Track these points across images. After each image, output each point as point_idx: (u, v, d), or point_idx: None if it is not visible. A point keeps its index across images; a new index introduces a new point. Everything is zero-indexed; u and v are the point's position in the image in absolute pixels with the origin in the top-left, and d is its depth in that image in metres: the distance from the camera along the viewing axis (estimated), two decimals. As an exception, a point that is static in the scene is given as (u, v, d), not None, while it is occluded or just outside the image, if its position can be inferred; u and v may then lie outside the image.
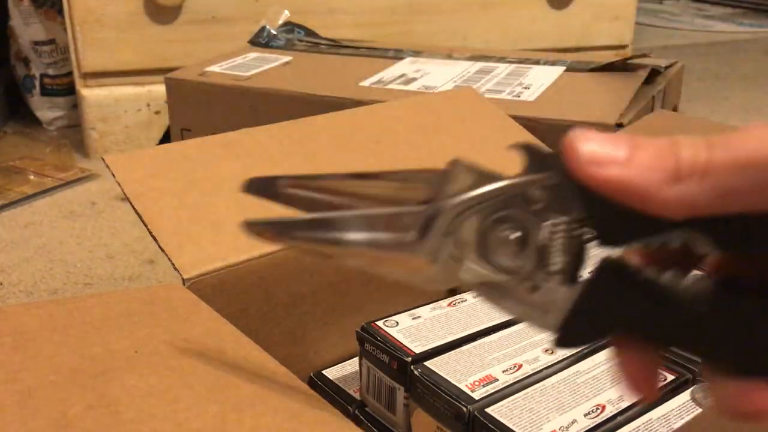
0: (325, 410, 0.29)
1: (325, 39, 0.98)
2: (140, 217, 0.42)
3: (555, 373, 0.37)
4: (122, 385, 0.28)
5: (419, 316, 0.42)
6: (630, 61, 0.76)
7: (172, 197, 0.44)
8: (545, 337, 0.39)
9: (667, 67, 0.76)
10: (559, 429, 0.34)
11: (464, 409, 0.34)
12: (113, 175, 0.44)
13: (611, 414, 0.35)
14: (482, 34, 1.16)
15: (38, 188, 0.94)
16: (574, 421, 0.34)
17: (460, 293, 0.45)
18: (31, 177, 0.99)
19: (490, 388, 0.36)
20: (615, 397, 0.36)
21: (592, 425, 0.34)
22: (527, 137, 0.58)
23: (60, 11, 1.14)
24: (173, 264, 0.40)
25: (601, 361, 0.39)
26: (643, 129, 0.58)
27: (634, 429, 0.35)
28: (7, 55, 1.22)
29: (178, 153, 0.47)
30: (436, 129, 0.57)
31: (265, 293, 0.43)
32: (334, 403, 0.43)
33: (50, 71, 1.19)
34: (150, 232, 0.42)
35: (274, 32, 0.97)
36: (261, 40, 0.96)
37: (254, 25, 1.03)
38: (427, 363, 0.38)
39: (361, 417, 0.42)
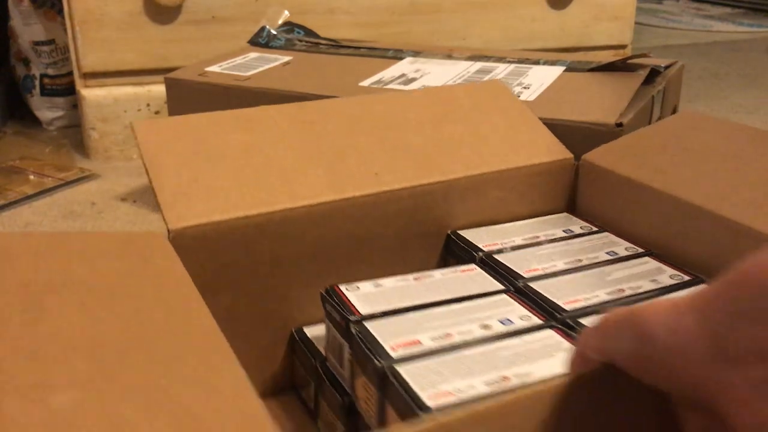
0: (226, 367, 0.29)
1: (325, 39, 0.98)
2: (147, 174, 0.47)
3: (479, 344, 0.39)
4: (57, 300, 0.31)
5: (381, 285, 0.46)
6: (630, 61, 0.76)
7: (179, 160, 0.49)
8: (492, 315, 0.42)
9: (666, 67, 0.76)
10: (454, 390, 0.34)
11: (378, 364, 0.37)
12: (135, 137, 0.50)
13: (512, 386, 0.35)
14: (482, 34, 1.16)
15: (38, 188, 0.94)
16: (471, 386, 0.35)
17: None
18: (31, 177, 0.99)
19: (411, 351, 0.38)
20: (524, 371, 0.36)
21: (487, 392, 0.34)
22: (546, 136, 0.58)
23: (60, 11, 1.14)
24: (163, 216, 0.45)
25: (534, 340, 0.39)
26: (666, 129, 0.58)
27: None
28: (7, 55, 1.22)
29: (197, 123, 0.52)
30: (450, 120, 0.57)
31: (246, 251, 0.47)
32: (304, 357, 0.49)
33: (50, 71, 1.19)
34: (152, 188, 0.47)
35: (273, 32, 0.97)
36: (261, 40, 0.96)
37: (254, 25, 1.03)
38: (366, 323, 0.41)
39: (320, 371, 0.46)
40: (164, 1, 1.03)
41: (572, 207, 0.57)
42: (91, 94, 1.06)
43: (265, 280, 0.48)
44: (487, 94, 0.60)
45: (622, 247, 0.50)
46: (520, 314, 0.42)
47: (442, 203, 0.53)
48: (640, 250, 0.49)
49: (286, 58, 0.88)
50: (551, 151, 0.56)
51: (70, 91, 1.19)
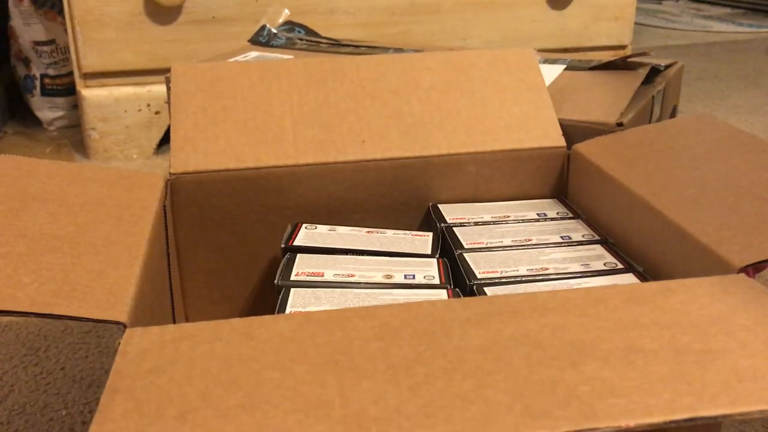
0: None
1: (326, 38, 0.98)
2: (170, 119, 0.54)
3: (370, 289, 0.43)
4: (38, 206, 0.42)
5: (335, 230, 0.52)
6: (630, 60, 0.76)
7: (199, 108, 0.54)
8: (402, 270, 0.46)
9: (666, 67, 0.77)
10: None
11: (277, 282, 0.44)
12: (167, 81, 0.56)
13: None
14: (482, 35, 1.16)
15: (39, 188, 0.94)
16: None
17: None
18: (32, 176, 0.99)
19: (310, 279, 0.44)
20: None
21: None
22: (548, 119, 0.58)
23: (60, 11, 1.14)
24: (170, 159, 0.52)
25: (420, 295, 0.42)
26: (661, 129, 0.58)
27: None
28: (7, 55, 1.22)
29: (228, 72, 0.57)
30: (459, 89, 0.58)
31: (237, 200, 0.53)
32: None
33: (50, 71, 1.19)
34: (170, 133, 0.53)
35: (274, 31, 0.97)
36: (261, 39, 0.96)
37: (254, 25, 1.03)
38: (297, 254, 0.48)
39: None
40: (164, 1, 1.03)
41: (564, 193, 0.58)
42: (91, 94, 1.06)
43: (252, 225, 0.54)
44: (510, 65, 0.60)
45: (580, 234, 0.51)
46: (428, 274, 0.45)
47: (423, 177, 0.55)
48: (596, 238, 0.50)
49: (287, 57, 0.88)
50: (546, 136, 0.57)
51: (70, 91, 1.19)
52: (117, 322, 0.33)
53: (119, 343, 0.31)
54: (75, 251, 0.38)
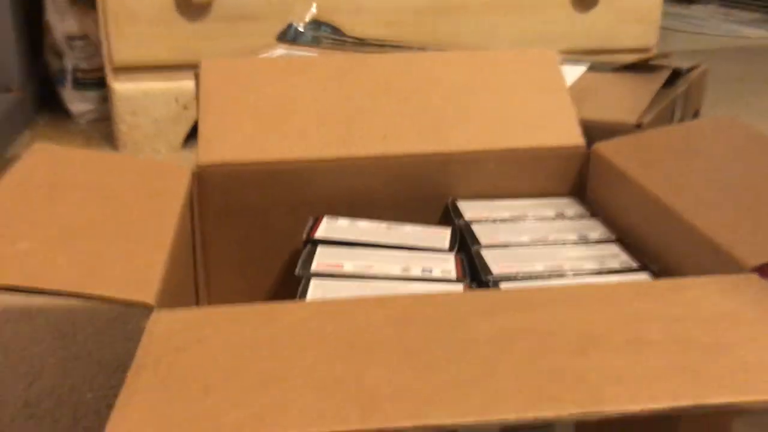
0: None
1: (351, 37, 0.99)
2: (197, 111, 0.56)
3: (388, 281, 0.44)
4: (72, 194, 0.44)
5: (356, 223, 0.53)
6: (652, 62, 0.76)
7: (227, 101, 0.56)
8: (420, 264, 0.46)
9: (689, 69, 0.77)
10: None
11: (298, 273, 0.45)
12: (196, 76, 0.57)
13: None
14: (506, 35, 1.17)
15: (69, 178, 0.97)
16: None
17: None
18: (62, 167, 1.01)
19: (330, 270, 0.45)
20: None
21: None
22: (569, 118, 0.59)
23: (93, 6, 1.17)
24: (198, 150, 0.53)
25: (436, 289, 0.43)
26: (694, 129, 0.59)
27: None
28: (41, 48, 1.25)
29: (257, 67, 0.59)
30: (479, 88, 0.59)
31: (260, 192, 0.54)
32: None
33: (82, 65, 1.22)
34: (197, 124, 0.55)
35: (301, 29, 0.98)
36: (288, 37, 0.98)
37: (281, 22, 1.04)
38: (317, 245, 0.49)
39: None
40: (195, -3, 1.05)
41: (582, 193, 0.58)
42: (121, 87, 1.09)
43: (275, 217, 0.55)
44: (531, 65, 0.61)
45: (597, 233, 0.51)
46: (445, 269, 0.46)
47: (443, 173, 0.56)
48: (613, 237, 0.51)
49: (313, 55, 0.89)
50: (566, 135, 0.57)
51: (101, 84, 1.21)
52: (145, 304, 0.34)
53: (146, 324, 0.32)
54: (105, 236, 0.40)
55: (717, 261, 0.40)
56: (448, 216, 0.56)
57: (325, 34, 0.99)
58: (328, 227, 0.52)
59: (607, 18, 1.19)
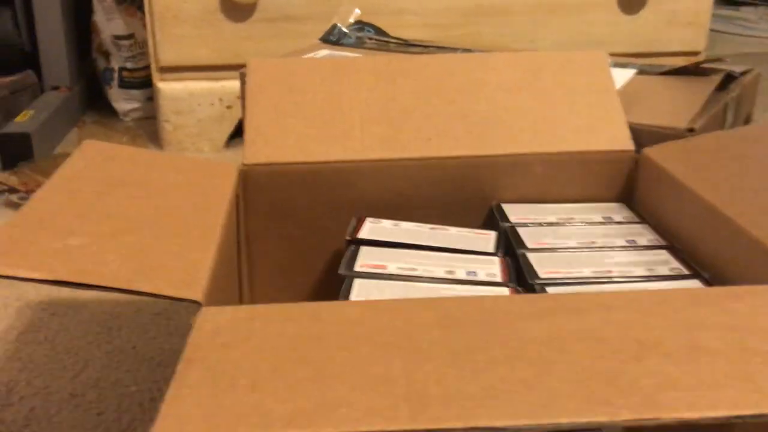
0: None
1: (395, 38, 0.99)
2: (243, 112, 0.56)
3: (432, 283, 0.44)
4: (122, 191, 0.45)
5: (399, 225, 0.53)
6: (703, 66, 0.74)
7: (272, 101, 0.56)
8: (465, 267, 0.46)
9: (742, 74, 0.75)
10: None
11: (342, 272, 0.45)
12: (241, 77, 0.58)
13: None
14: (551, 37, 1.16)
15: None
16: None
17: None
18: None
19: (374, 271, 0.45)
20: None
21: None
22: (618, 122, 0.58)
23: (140, 7, 1.19)
24: (244, 150, 0.54)
25: (482, 291, 0.43)
26: (747, 134, 0.57)
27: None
28: (89, 48, 1.28)
29: (301, 67, 0.59)
30: (527, 90, 0.58)
31: (305, 192, 0.55)
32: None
33: (128, 65, 1.24)
34: (243, 123, 0.55)
35: (344, 30, 0.99)
36: (332, 38, 0.98)
37: (325, 23, 1.05)
38: (361, 246, 0.49)
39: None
40: (240, -2, 1.06)
41: (631, 198, 0.57)
42: (166, 87, 1.10)
43: (318, 217, 0.56)
44: (580, 67, 0.60)
45: (646, 238, 0.50)
46: (490, 272, 0.46)
47: (488, 176, 0.55)
48: (662, 243, 0.49)
49: (356, 56, 0.90)
50: (614, 139, 0.56)
51: (146, 84, 1.23)
52: (193, 301, 0.34)
53: (194, 320, 0.32)
54: (154, 233, 0.40)
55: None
56: (493, 219, 0.56)
57: (369, 35, 0.99)
58: (370, 228, 0.52)
59: (655, 20, 1.17)
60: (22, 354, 0.60)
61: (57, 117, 1.15)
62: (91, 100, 1.33)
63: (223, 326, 0.31)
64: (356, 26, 1.00)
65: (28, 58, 1.22)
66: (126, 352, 0.61)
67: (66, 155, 0.60)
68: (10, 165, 1.01)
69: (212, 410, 0.25)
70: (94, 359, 0.60)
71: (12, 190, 0.93)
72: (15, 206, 0.90)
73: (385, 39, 0.98)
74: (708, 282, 0.44)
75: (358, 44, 0.96)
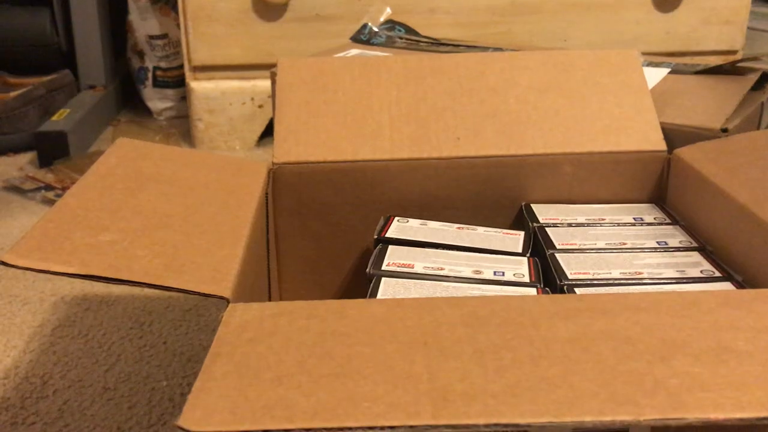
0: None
1: (425, 37, 0.99)
2: (273, 111, 0.57)
3: (459, 283, 0.44)
4: (153, 187, 0.45)
5: (426, 224, 0.53)
6: (739, 65, 0.73)
7: (302, 100, 0.57)
8: (492, 267, 0.46)
9: (778, 72, 0.73)
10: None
11: (369, 271, 0.46)
12: (272, 76, 0.59)
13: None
14: (583, 36, 1.15)
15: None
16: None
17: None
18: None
19: (401, 270, 0.46)
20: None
21: None
22: (650, 122, 0.57)
23: (174, 7, 1.20)
24: (273, 149, 0.54)
25: (511, 291, 0.43)
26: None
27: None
28: (124, 48, 1.30)
29: (330, 67, 0.59)
30: (558, 89, 0.58)
31: (334, 191, 0.55)
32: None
33: (162, 64, 1.26)
34: (273, 122, 0.56)
35: (375, 29, 0.99)
36: (362, 37, 0.98)
37: (356, 23, 1.05)
38: (388, 245, 0.50)
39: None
40: (272, -2, 1.07)
41: (663, 199, 0.56)
42: (199, 86, 1.11)
43: (347, 216, 0.56)
44: (612, 66, 0.60)
45: (677, 240, 0.50)
46: (518, 272, 0.45)
47: (516, 176, 0.55)
48: (694, 245, 0.49)
49: (386, 55, 0.90)
50: (646, 140, 0.56)
51: (180, 83, 1.25)
52: (221, 297, 0.35)
53: (222, 316, 0.33)
54: (185, 229, 0.41)
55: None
56: (522, 219, 0.55)
57: (400, 34, 0.99)
58: (398, 227, 0.52)
59: (691, 18, 1.15)
60: (56, 348, 0.62)
61: (92, 116, 1.17)
62: (126, 100, 1.35)
63: (250, 322, 0.32)
64: (387, 25, 1.00)
65: (65, 58, 1.25)
66: (157, 347, 0.62)
67: (101, 153, 0.61)
68: (46, 163, 1.03)
69: (238, 402, 0.25)
70: (126, 354, 0.61)
71: (48, 187, 0.95)
72: (51, 203, 0.92)
73: (416, 38, 0.99)
74: (740, 285, 0.44)
75: (389, 43, 0.96)
